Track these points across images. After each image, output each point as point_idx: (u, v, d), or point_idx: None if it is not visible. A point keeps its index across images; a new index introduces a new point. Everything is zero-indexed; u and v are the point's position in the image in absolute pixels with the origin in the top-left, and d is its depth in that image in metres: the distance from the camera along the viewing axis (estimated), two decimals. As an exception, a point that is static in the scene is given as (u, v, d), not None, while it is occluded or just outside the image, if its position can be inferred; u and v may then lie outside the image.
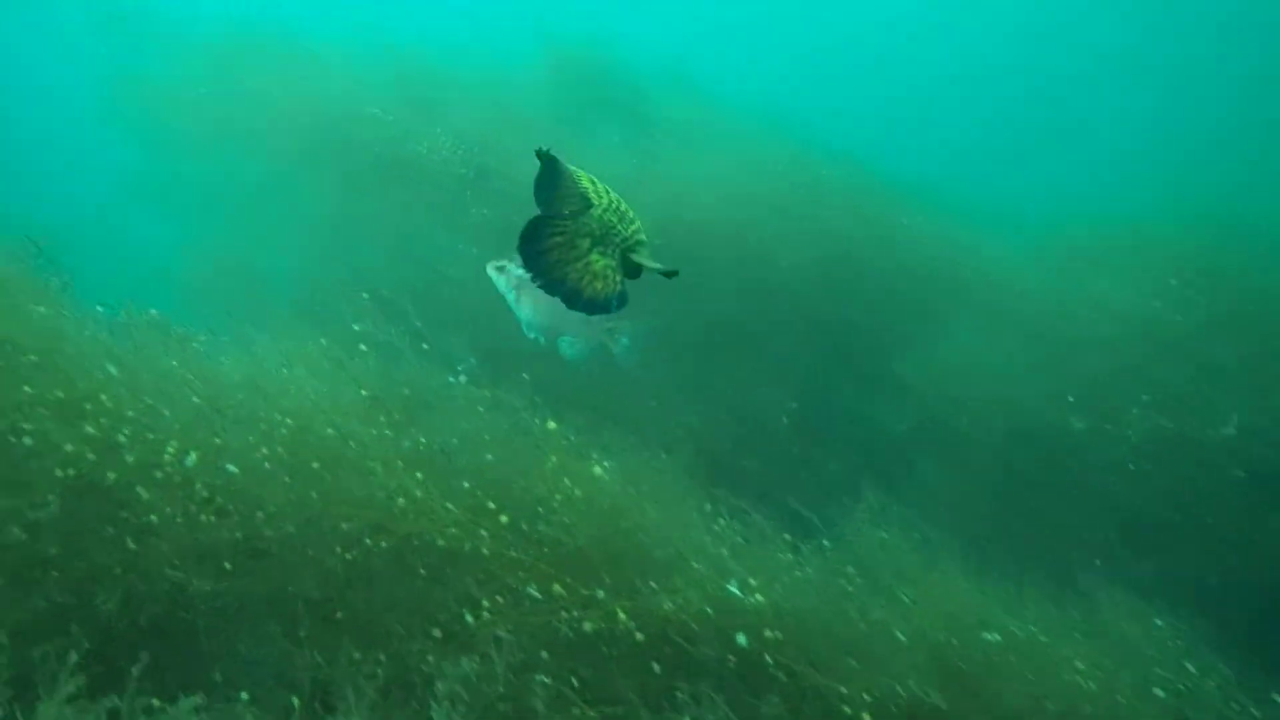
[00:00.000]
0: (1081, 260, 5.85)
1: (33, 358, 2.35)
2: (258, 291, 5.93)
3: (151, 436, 2.33)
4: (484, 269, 3.26)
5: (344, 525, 2.29)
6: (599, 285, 1.99)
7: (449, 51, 7.21)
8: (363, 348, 2.77)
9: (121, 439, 2.28)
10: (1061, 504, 4.81)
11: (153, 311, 2.63)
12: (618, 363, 3.09)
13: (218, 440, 2.38)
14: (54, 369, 2.36)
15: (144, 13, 7.23)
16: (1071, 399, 4.91)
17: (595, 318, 2.86)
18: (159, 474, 2.26)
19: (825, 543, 2.54)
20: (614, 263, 2.02)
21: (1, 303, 2.44)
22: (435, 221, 5.95)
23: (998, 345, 5.49)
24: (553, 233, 1.96)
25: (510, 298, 3.00)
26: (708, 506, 2.53)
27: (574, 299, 1.98)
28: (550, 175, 1.94)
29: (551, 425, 2.51)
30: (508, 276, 2.97)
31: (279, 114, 6.33)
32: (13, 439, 2.19)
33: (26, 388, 2.28)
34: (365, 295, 3.18)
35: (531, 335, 2.95)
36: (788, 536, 2.51)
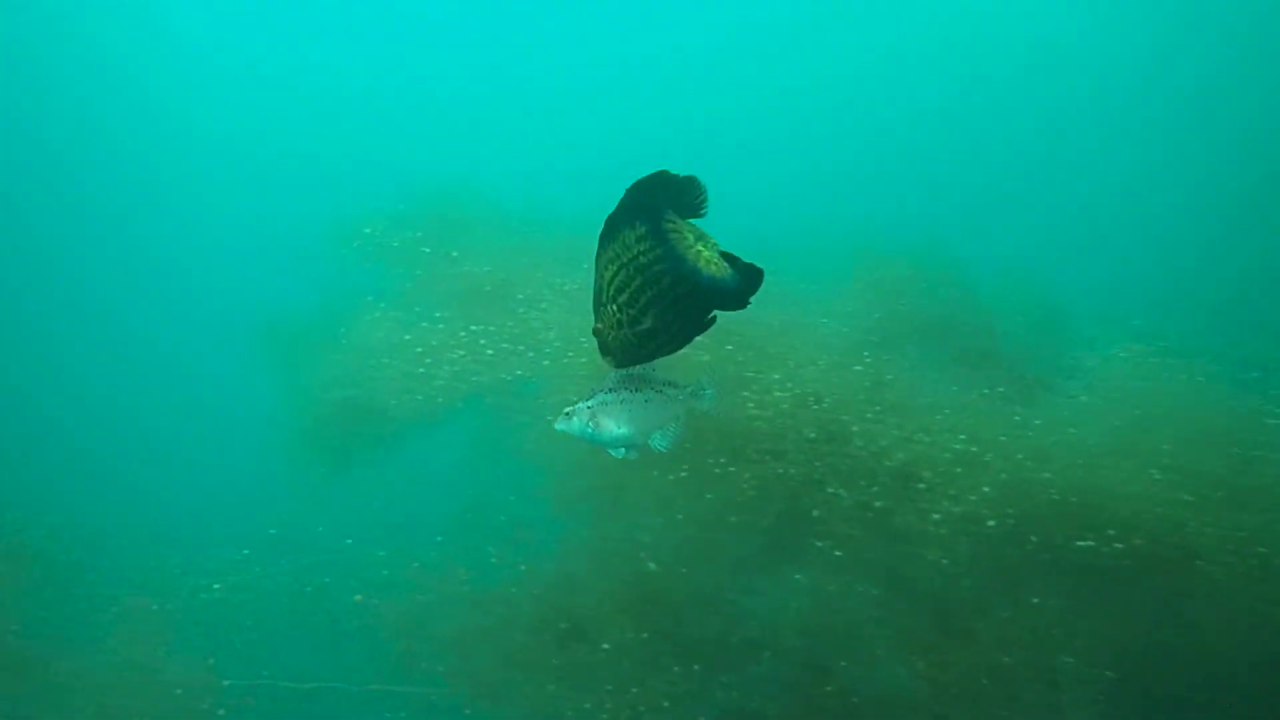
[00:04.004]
0: None
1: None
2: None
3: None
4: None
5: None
6: (715, 269, 1.87)
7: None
8: None
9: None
10: None
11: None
12: (710, 413, 2.76)
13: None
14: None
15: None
16: None
17: (670, 391, 2.50)
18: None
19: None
20: (716, 255, 1.92)
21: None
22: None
23: None
24: (668, 217, 1.85)
25: (590, 433, 2.64)
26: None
27: (711, 286, 1.85)
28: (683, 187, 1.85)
29: None
30: (579, 415, 2.61)
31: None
32: None
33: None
34: None
35: (621, 454, 2.64)
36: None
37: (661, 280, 1.84)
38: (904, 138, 15.45)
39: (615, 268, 1.87)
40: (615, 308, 1.88)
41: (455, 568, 4.71)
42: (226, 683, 4.50)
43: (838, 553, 4.26)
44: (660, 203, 1.87)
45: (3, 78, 14.82)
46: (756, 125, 16.57)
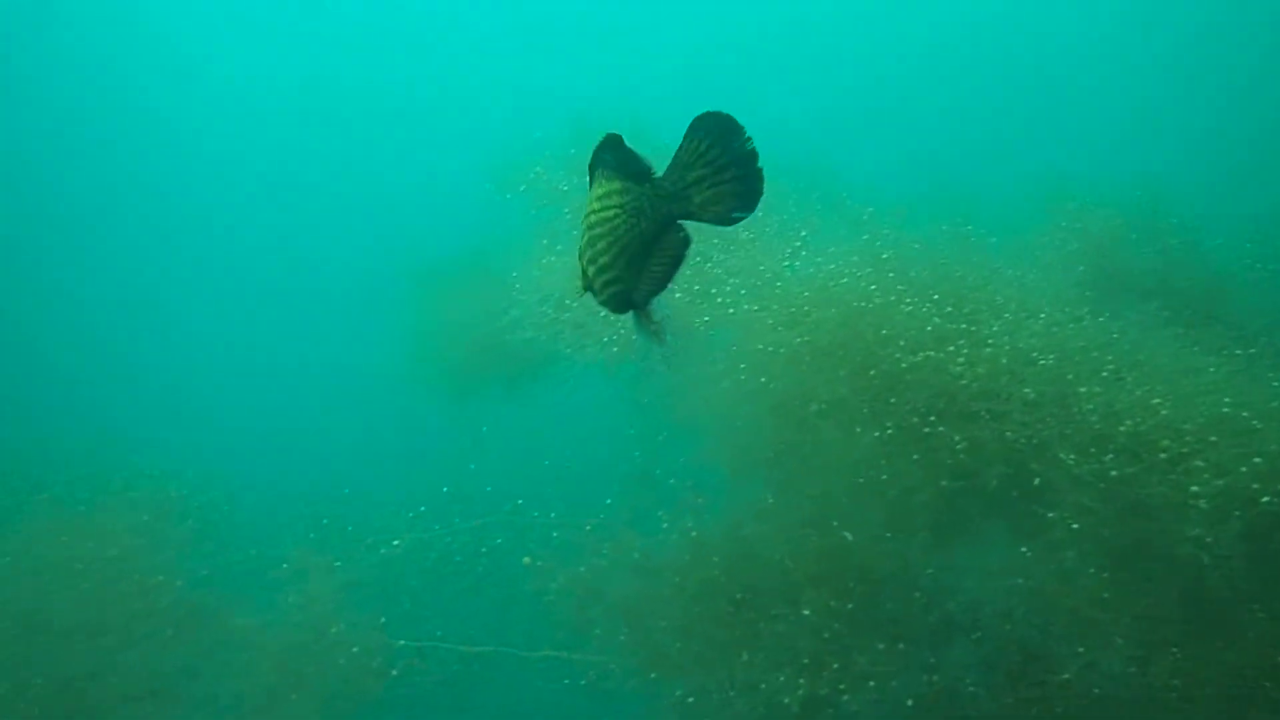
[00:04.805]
0: None
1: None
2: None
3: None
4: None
5: None
6: None
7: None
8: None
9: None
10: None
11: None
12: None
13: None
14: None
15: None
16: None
17: (643, 320, 2.19)
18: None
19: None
20: None
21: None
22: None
23: None
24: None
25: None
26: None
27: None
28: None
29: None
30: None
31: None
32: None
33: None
34: None
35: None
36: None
37: (615, 219, 1.78)
38: (1098, 76, 13.94)
39: (584, 228, 1.86)
40: (585, 262, 1.86)
41: (626, 532, 4.40)
42: (400, 643, 4.35)
43: (1074, 525, 3.72)
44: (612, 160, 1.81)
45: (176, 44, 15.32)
46: (934, 62, 15.36)
